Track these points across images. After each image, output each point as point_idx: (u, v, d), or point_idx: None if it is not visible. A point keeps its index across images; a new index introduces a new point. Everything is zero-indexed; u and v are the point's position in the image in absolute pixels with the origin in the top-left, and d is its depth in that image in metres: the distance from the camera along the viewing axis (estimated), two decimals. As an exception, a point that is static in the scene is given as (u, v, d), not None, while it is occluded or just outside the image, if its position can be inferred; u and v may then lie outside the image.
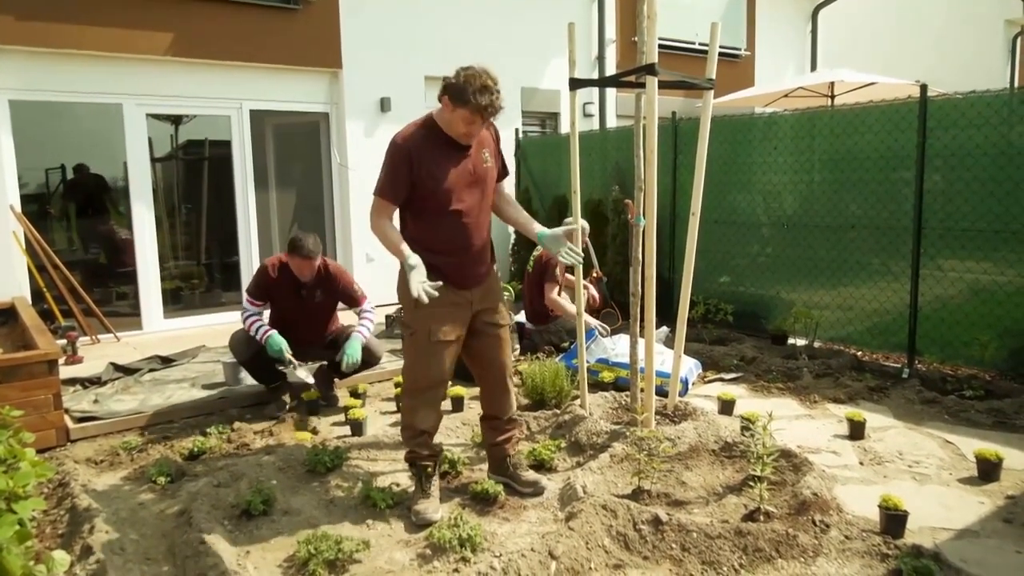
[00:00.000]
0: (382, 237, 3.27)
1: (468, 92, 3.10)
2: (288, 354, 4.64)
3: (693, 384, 5.37)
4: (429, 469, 3.44)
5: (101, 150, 7.44)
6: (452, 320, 3.34)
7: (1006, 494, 3.53)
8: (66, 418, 4.49)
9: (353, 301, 4.97)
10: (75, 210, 7.67)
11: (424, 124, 3.32)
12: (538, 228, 3.52)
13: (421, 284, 3.04)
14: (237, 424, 4.62)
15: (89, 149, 7.44)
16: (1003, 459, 3.70)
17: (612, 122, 10.75)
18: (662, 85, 4.03)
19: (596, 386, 5.13)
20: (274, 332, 4.66)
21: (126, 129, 7.18)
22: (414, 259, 3.12)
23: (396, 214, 3.33)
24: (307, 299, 4.85)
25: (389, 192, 3.26)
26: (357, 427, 4.44)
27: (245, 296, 4.82)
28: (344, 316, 5.25)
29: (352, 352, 4.67)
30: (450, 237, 3.31)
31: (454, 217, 3.29)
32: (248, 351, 4.81)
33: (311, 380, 4.83)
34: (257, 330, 4.68)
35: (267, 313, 4.87)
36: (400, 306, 3.56)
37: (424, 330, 3.30)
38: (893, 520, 3.06)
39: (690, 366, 5.40)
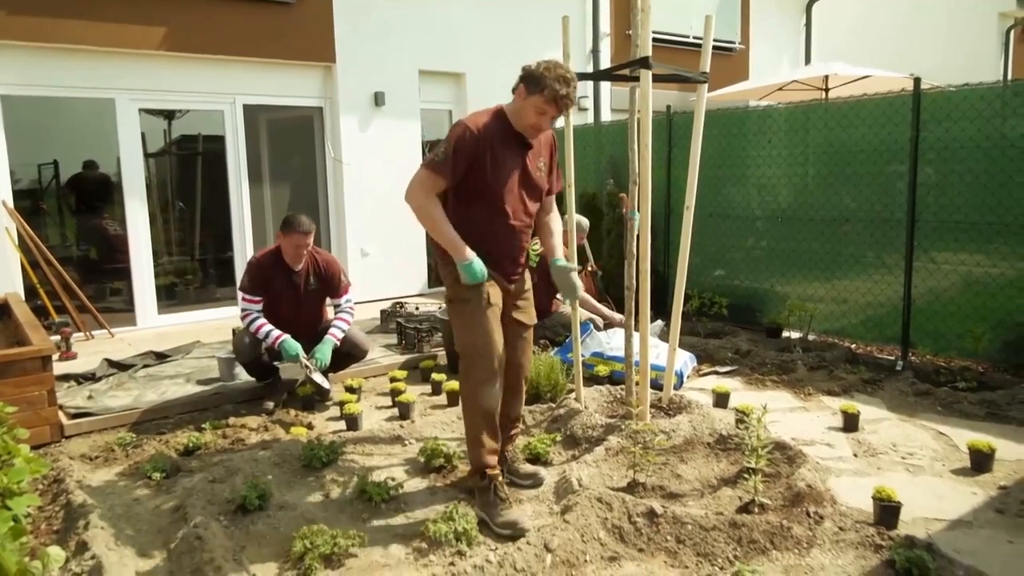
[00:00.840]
0: (428, 218, 3.19)
1: (546, 79, 3.08)
2: (304, 358, 4.63)
3: (688, 377, 5.39)
4: (501, 477, 3.35)
5: (94, 145, 7.40)
6: (497, 295, 3.31)
7: (998, 484, 3.55)
8: (60, 414, 4.48)
9: (336, 291, 4.95)
10: (68, 206, 7.64)
11: (494, 115, 3.26)
12: (559, 256, 3.50)
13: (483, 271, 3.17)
14: (232, 419, 4.61)
15: (82, 144, 7.40)
16: (995, 450, 3.72)
17: (607, 116, 10.75)
18: (656, 79, 4.03)
19: (591, 380, 5.14)
20: (287, 337, 4.64)
21: (119, 124, 7.15)
22: (471, 254, 3.14)
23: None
24: (300, 288, 4.85)
25: (446, 169, 3.14)
26: (352, 422, 4.44)
27: (240, 295, 4.78)
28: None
29: (322, 356, 4.69)
30: (492, 231, 3.27)
31: (500, 215, 3.26)
32: (252, 353, 4.79)
33: (327, 385, 4.78)
34: (268, 335, 4.64)
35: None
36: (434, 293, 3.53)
37: (480, 296, 3.22)
38: (887, 511, 3.08)
39: (685, 359, 5.42)
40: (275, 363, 5.02)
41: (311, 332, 4.96)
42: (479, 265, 3.17)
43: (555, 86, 3.07)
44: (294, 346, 4.60)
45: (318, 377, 4.69)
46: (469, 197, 3.24)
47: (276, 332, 4.64)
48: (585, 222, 6.39)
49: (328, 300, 5.09)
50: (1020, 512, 3.27)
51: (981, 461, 3.71)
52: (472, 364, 3.29)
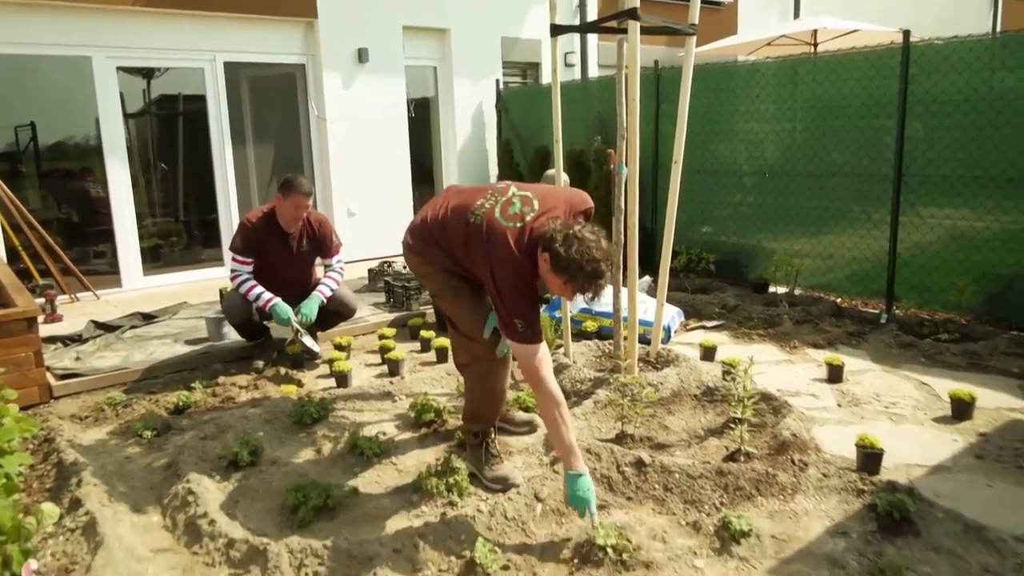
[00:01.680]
0: (558, 401, 2.82)
1: (573, 270, 2.68)
2: (295, 321, 4.61)
3: (676, 332, 5.43)
4: (493, 434, 3.33)
5: (72, 106, 7.26)
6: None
7: (978, 431, 3.63)
8: (48, 375, 4.47)
9: (327, 251, 4.92)
10: (48, 168, 7.52)
11: (528, 254, 2.83)
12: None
13: None
14: (222, 378, 4.61)
15: (59, 105, 7.25)
16: (976, 398, 3.79)
17: (594, 72, 10.62)
18: (644, 31, 3.98)
19: (580, 335, 5.18)
20: (278, 299, 4.59)
21: (96, 83, 6.99)
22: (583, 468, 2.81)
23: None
24: (294, 249, 4.81)
25: (539, 335, 2.86)
26: (342, 379, 4.46)
27: (231, 256, 4.71)
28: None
29: (308, 312, 4.66)
30: None
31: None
32: (243, 315, 4.77)
33: (316, 347, 4.78)
34: (258, 296, 4.59)
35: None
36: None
37: (466, 284, 3.10)
38: (869, 458, 3.14)
39: (672, 314, 5.45)
40: (265, 323, 5.01)
41: (302, 293, 4.92)
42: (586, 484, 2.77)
43: (584, 284, 2.71)
44: (285, 310, 4.58)
45: (308, 340, 4.68)
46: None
47: (267, 295, 4.60)
48: (566, 179, 6.36)
49: (318, 260, 5.06)
50: (999, 457, 3.35)
51: (962, 409, 3.78)
52: (478, 352, 3.16)
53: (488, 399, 3.26)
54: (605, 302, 5.20)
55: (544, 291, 3.24)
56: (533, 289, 2.89)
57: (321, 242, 4.89)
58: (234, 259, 4.67)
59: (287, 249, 4.78)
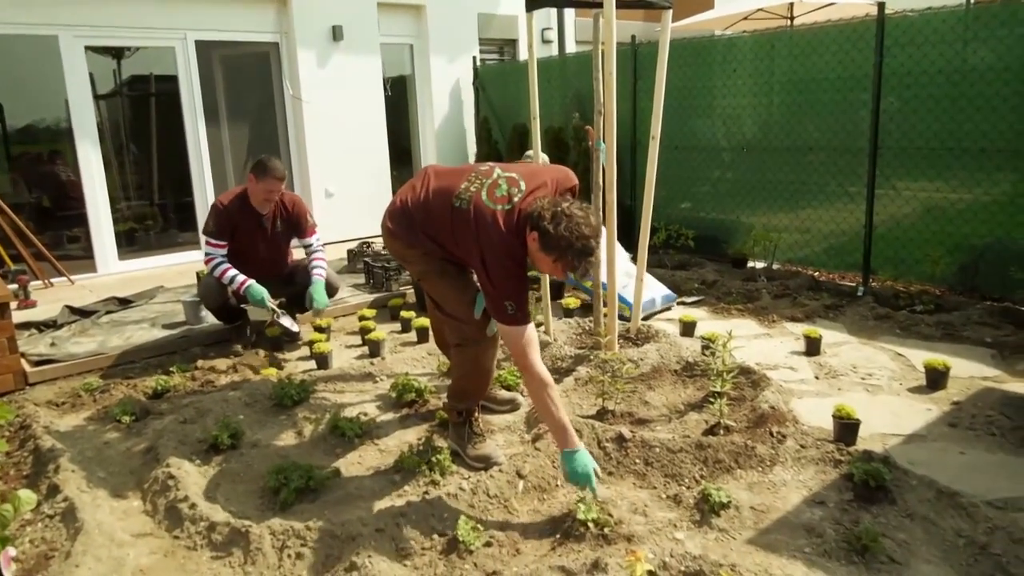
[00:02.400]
0: (551, 392, 2.78)
1: (563, 247, 2.66)
2: (271, 303, 4.57)
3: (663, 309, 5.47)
4: (477, 413, 3.32)
5: (39, 87, 7.08)
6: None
7: (952, 400, 3.69)
8: (23, 362, 4.41)
9: (303, 231, 4.87)
10: (18, 152, 7.36)
11: (518, 234, 2.81)
12: None
13: None
14: (200, 362, 4.58)
15: (26, 86, 7.08)
16: (950, 368, 3.85)
17: (572, 48, 10.55)
18: (620, 5, 3.95)
19: (561, 312, 5.19)
20: (252, 281, 4.54)
21: (64, 63, 6.83)
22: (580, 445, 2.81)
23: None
24: (268, 231, 4.76)
25: (526, 316, 2.83)
26: (323, 360, 4.44)
27: (204, 239, 4.64)
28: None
29: (320, 298, 4.66)
30: None
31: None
32: (219, 298, 4.71)
33: (295, 328, 4.74)
34: (232, 279, 4.54)
35: None
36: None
37: (451, 265, 3.08)
38: (846, 428, 3.18)
39: (664, 294, 5.46)
40: (242, 306, 4.97)
41: (277, 273, 4.91)
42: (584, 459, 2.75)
43: (574, 262, 2.70)
44: (259, 291, 4.53)
45: (286, 321, 4.65)
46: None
47: (241, 277, 4.55)
48: (545, 159, 6.35)
49: (295, 240, 5.01)
50: (971, 425, 3.41)
51: (936, 379, 3.84)
52: (468, 333, 3.12)
53: (476, 378, 3.25)
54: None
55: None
56: (523, 270, 2.87)
57: (296, 222, 4.84)
58: (207, 243, 4.60)
59: (261, 230, 4.73)
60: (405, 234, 3.08)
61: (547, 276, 4.65)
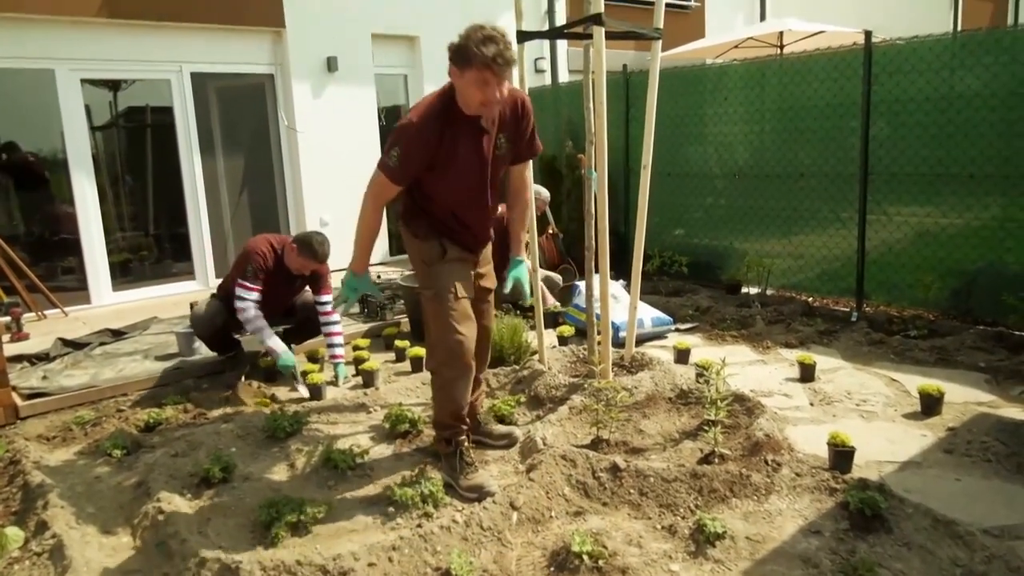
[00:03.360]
0: (363, 223, 3.10)
1: (470, 48, 2.76)
2: (296, 373, 4.61)
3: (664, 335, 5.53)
4: (467, 442, 3.34)
5: (35, 120, 7.11)
6: (466, 279, 3.24)
7: (947, 426, 3.68)
8: (14, 396, 4.38)
9: (319, 289, 4.84)
10: (13, 184, 7.37)
11: (441, 98, 2.99)
12: (521, 255, 3.43)
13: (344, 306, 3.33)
14: (193, 394, 4.55)
15: (22, 119, 7.11)
16: (944, 393, 3.85)
17: (564, 77, 10.65)
18: (611, 36, 4.00)
19: (558, 337, 5.18)
20: (285, 350, 4.58)
21: (60, 96, 6.88)
22: (360, 269, 3.20)
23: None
24: (295, 285, 4.85)
25: (399, 175, 2.98)
26: (316, 391, 4.42)
27: (242, 284, 4.51)
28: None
29: (342, 372, 4.79)
30: (454, 213, 3.19)
31: (460, 200, 3.16)
32: (211, 327, 4.72)
33: (307, 393, 4.62)
34: (262, 340, 4.58)
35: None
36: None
37: (447, 288, 3.12)
38: (841, 456, 3.17)
39: (653, 316, 5.49)
40: (236, 336, 4.96)
41: (287, 313, 5.02)
42: (355, 283, 3.21)
43: (483, 51, 2.74)
44: (290, 359, 4.57)
45: (302, 388, 4.62)
46: (430, 186, 3.13)
47: (271, 342, 4.57)
48: (546, 192, 6.42)
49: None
50: (967, 451, 3.40)
51: (931, 405, 3.84)
52: (445, 362, 3.19)
53: (449, 404, 3.27)
54: (598, 296, 5.30)
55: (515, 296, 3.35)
56: (415, 155, 2.94)
57: (316, 280, 4.84)
58: (246, 288, 4.51)
59: (288, 283, 4.79)
60: (411, 220, 3.25)
61: (540, 304, 4.66)
